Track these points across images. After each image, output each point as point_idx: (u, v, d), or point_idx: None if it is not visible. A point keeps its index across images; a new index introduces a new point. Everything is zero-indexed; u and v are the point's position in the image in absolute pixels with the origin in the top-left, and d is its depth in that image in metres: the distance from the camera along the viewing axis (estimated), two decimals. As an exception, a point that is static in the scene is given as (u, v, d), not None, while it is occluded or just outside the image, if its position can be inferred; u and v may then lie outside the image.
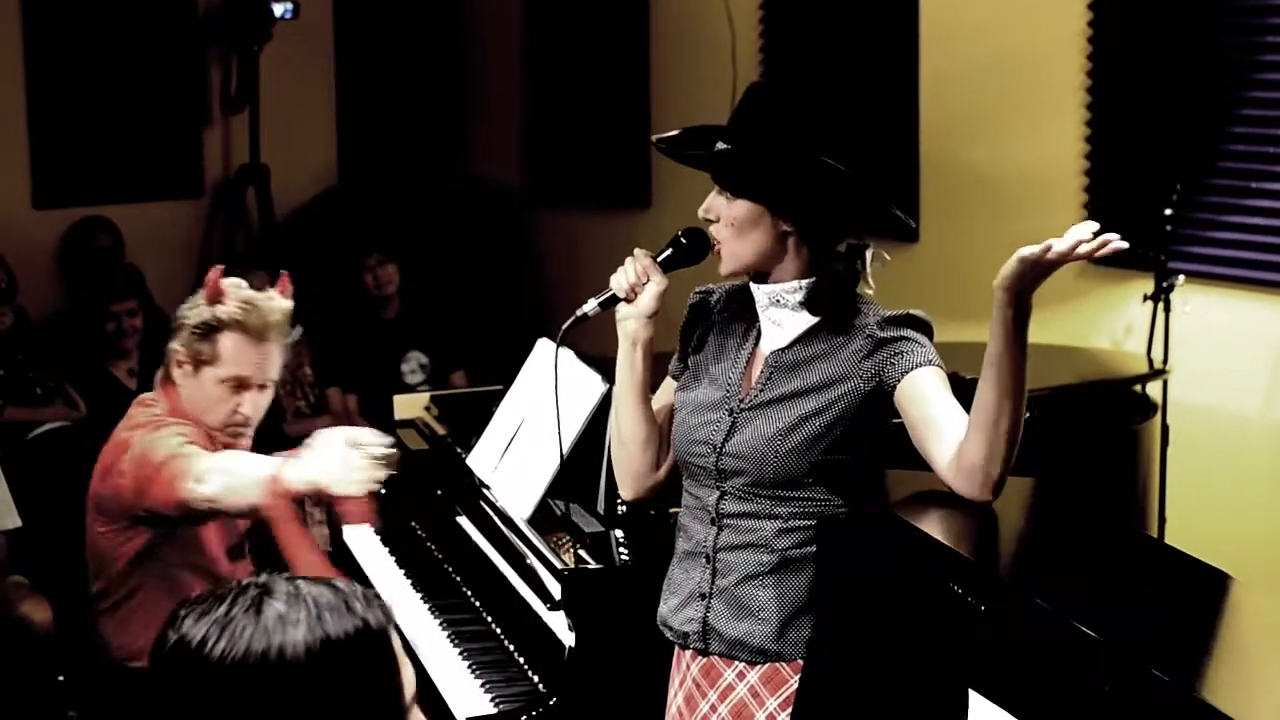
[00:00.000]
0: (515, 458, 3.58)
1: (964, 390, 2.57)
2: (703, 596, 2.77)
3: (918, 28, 5.80)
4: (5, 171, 7.15)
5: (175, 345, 3.46)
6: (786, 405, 2.70)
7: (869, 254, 2.74)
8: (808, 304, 2.73)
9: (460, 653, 3.47)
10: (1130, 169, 5.20)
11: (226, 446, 3.45)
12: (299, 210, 7.72)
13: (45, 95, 7.16)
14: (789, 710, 2.65)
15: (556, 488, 3.38)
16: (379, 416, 6.16)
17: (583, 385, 3.39)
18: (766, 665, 2.72)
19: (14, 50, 7.08)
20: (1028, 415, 2.54)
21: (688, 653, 2.82)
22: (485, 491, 3.60)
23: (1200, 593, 2.31)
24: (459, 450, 3.90)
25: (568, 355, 3.37)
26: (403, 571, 3.97)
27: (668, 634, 2.85)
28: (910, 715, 2.25)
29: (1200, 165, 5.03)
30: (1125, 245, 2.34)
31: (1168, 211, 4.88)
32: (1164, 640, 2.09)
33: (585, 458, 3.34)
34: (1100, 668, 1.95)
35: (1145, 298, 4.93)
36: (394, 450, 3.19)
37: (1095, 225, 2.35)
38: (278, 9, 7.31)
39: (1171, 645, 2.08)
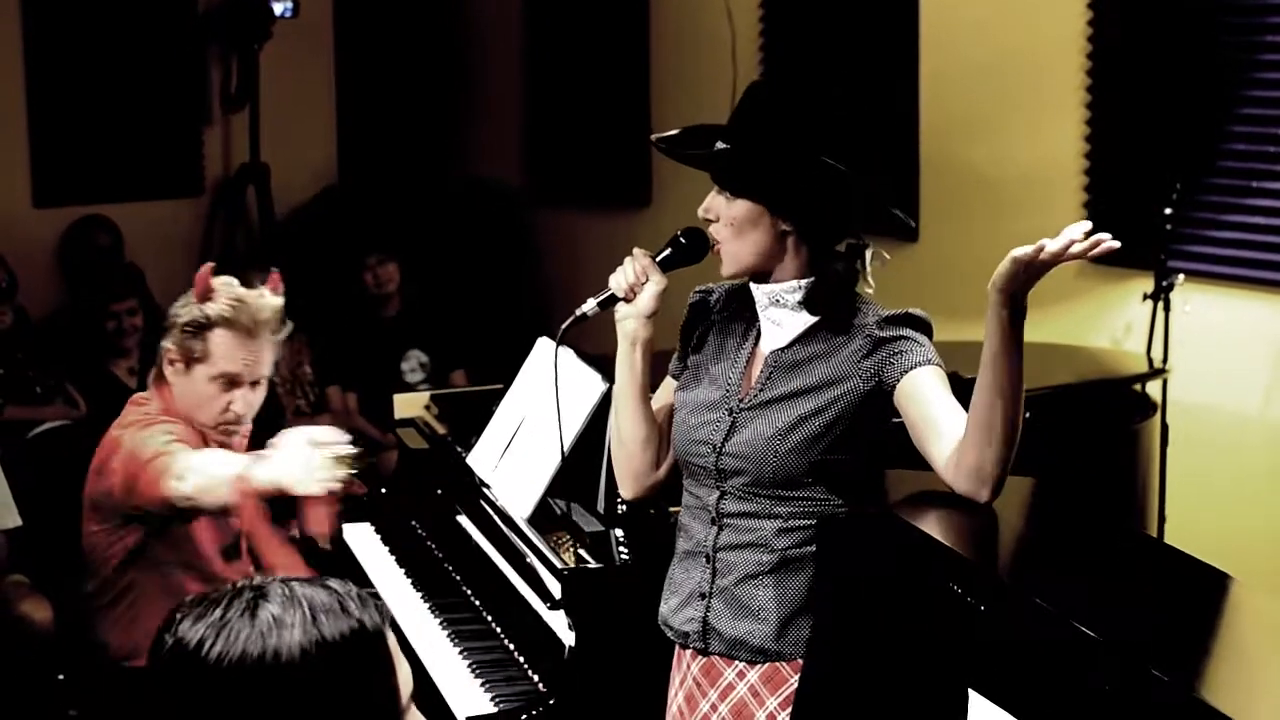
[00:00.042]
0: (515, 457, 3.58)
1: (964, 389, 2.57)
2: (703, 596, 2.77)
3: (918, 28, 5.80)
4: (5, 170, 7.15)
5: (167, 344, 3.47)
6: (786, 405, 2.70)
7: (869, 253, 2.74)
8: (807, 304, 2.73)
9: (460, 652, 3.47)
10: (1130, 168, 5.20)
11: (220, 445, 3.46)
12: (299, 209, 7.72)
13: (45, 94, 7.15)
14: (789, 710, 2.66)
15: (556, 487, 3.39)
16: (379, 415, 6.18)
17: (583, 384, 3.39)
18: (766, 665, 2.72)
19: (14, 50, 7.08)
20: (1026, 415, 2.54)
21: (688, 652, 2.82)
22: (485, 491, 3.60)
23: (1200, 593, 2.31)
24: (459, 449, 3.90)
25: (568, 354, 3.37)
26: (403, 571, 3.97)
27: (668, 633, 2.85)
28: (910, 715, 2.25)
29: (1200, 164, 5.03)
30: (1117, 245, 2.35)
31: (1168, 211, 4.89)
32: (1163, 640, 2.09)
33: (585, 457, 3.34)
34: (1100, 668, 1.95)
35: (1145, 297, 4.94)
36: (356, 450, 3.17)
37: (1088, 225, 2.36)
38: (278, 8, 7.31)
39: (1171, 645, 2.08)
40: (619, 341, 2.85)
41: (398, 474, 4.44)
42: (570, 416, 3.22)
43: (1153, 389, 4.83)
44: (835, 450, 2.68)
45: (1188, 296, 4.91)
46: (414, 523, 4.04)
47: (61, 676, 3.68)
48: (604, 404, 3.26)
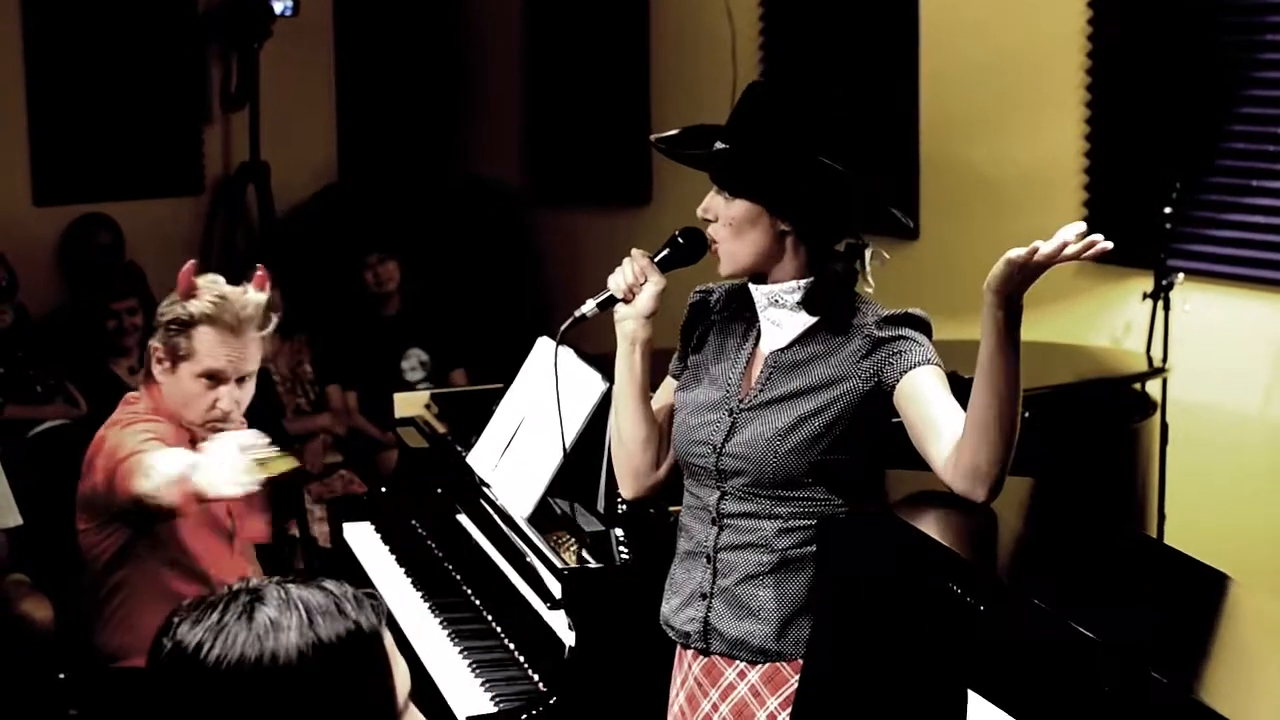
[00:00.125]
0: (515, 456, 3.58)
1: (963, 389, 2.57)
2: (704, 596, 2.78)
3: (918, 28, 5.80)
4: (5, 169, 7.15)
5: (154, 342, 3.49)
6: (786, 405, 2.70)
7: (868, 253, 2.75)
8: (806, 304, 2.73)
9: (460, 651, 3.47)
10: (1130, 168, 5.20)
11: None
12: (299, 207, 7.73)
13: (45, 93, 7.16)
14: (789, 710, 2.66)
15: (557, 486, 3.39)
16: (379, 414, 6.19)
17: (583, 384, 3.40)
18: (767, 665, 2.73)
19: (14, 49, 7.08)
20: (1026, 414, 2.54)
21: (689, 652, 2.82)
22: (485, 490, 3.60)
23: (1199, 593, 2.31)
24: (459, 448, 3.90)
25: (568, 354, 3.37)
26: (403, 570, 3.97)
27: (670, 633, 2.85)
28: (909, 715, 2.25)
29: (1200, 164, 5.03)
30: (1110, 246, 2.35)
31: (1167, 210, 4.89)
32: (1162, 641, 2.09)
33: (585, 457, 3.34)
34: (1099, 668, 1.95)
35: (1145, 296, 4.94)
36: (280, 454, 3.16)
37: (1082, 226, 2.36)
38: (278, 6, 7.31)
39: (1170, 646, 2.08)
40: (619, 342, 2.85)
41: (398, 473, 4.44)
42: (570, 416, 3.22)
43: (1152, 388, 4.83)
44: (835, 450, 2.68)
45: (1187, 295, 4.92)
46: (414, 522, 4.04)
47: (62, 676, 3.69)
48: (604, 404, 3.26)
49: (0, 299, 6.32)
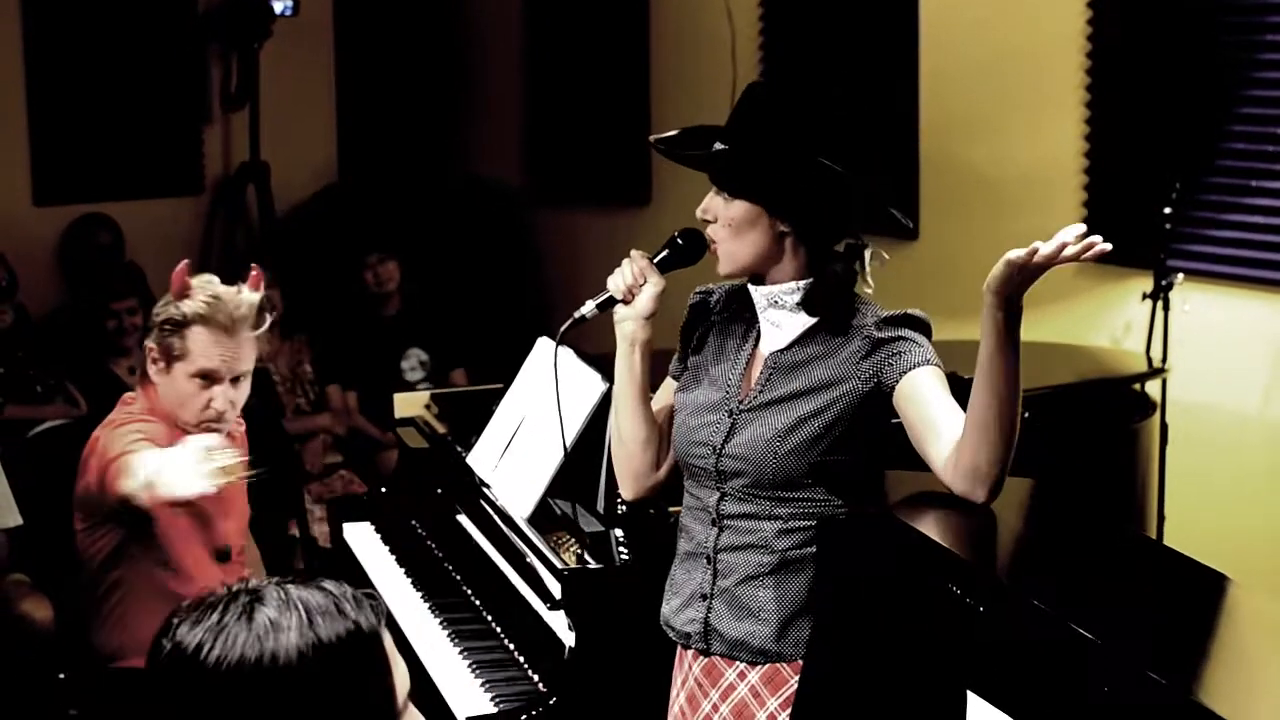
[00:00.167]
0: (515, 457, 3.58)
1: (963, 389, 2.57)
2: (704, 597, 2.78)
3: (918, 28, 5.80)
4: (5, 168, 7.15)
5: (149, 342, 3.49)
6: (786, 406, 2.70)
7: (867, 254, 2.74)
8: (806, 305, 2.73)
9: (460, 652, 3.47)
10: (1130, 168, 5.20)
11: None
12: (299, 207, 7.73)
13: (45, 92, 7.16)
14: (789, 710, 2.66)
15: (557, 487, 3.39)
16: (379, 414, 6.19)
17: (583, 384, 3.40)
18: (767, 665, 2.73)
19: (14, 48, 7.08)
20: (1025, 414, 2.54)
21: (690, 653, 2.82)
22: (485, 490, 3.61)
23: (1198, 594, 2.31)
24: (459, 449, 3.90)
25: (567, 354, 3.37)
26: (403, 570, 3.97)
27: (670, 634, 2.85)
28: (909, 716, 2.25)
29: (1200, 164, 5.03)
30: (1109, 247, 2.35)
31: (1167, 210, 4.89)
32: (1161, 642, 2.09)
33: (585, 457, 3.35)
34: (1098, 669, 1.95)
35: (1144, 296, 4.94)
36: (243, 461, 3.15)
37: (1082, 228, 2.36)
38: (278, 6, 7.31)
39: (1169, 647, 2.08)
40: (618, 343, 2.85)
41: (398, 473, 4.44)
42: (570, 416, 3.22)
43: (1152, 388, 4.83)
44: (835, 451, 2.68)
45: (1187, 296, 4.92)
46: (414, 522, 4.04)
47: (61, 676, 3.69)
48: (604, 404, 3.27)
49: (0, 299, 6.32)
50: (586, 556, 3.22)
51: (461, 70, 8.02)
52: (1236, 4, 5.02)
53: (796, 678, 2.67)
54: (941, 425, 2.59)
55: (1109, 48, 5.25)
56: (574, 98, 7.38)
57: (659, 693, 2.91)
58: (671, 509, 3.07)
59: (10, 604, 4.54)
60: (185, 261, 3.52)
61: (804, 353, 2.73)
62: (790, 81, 5.24)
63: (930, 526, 2.50)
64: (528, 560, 3.29)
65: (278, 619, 1.65)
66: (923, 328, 2.71)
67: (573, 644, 3.11)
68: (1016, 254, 2.36)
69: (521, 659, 3.36)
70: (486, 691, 3.29)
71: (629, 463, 2.91)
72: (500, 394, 3.79)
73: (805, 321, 2.74)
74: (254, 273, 3.54)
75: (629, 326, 2.83)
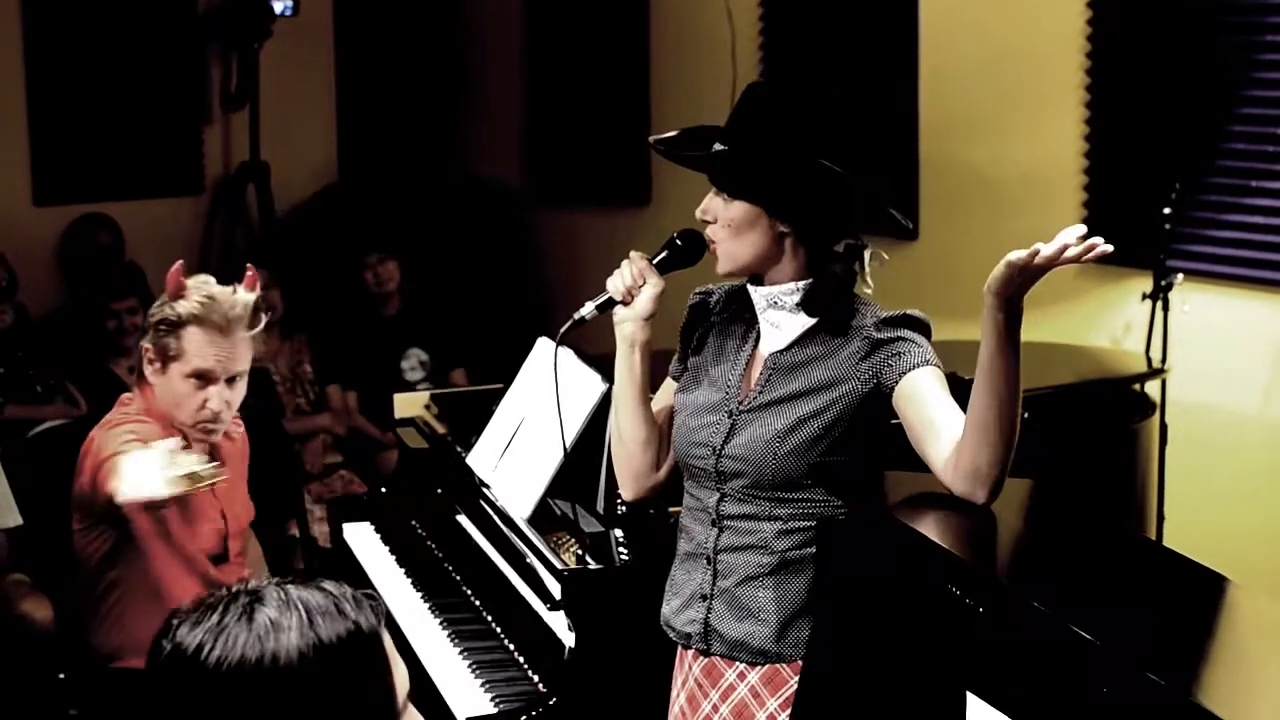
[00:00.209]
0: (515, 457, 3.58)
1: (963, 390, 2.57)
2: (704, 598, 2.78)
3: (918, 28, 5.80)
4: (5, 168, 7.15)
5: (145, 343, 3.50)
6: (785, 407, 2.71)
7: (867, 254, 2.74)
8: (805, 305, 2.73)
9: (460, 652, 3.47)
10: (1130, 168, 5.20)
11: (201, 444, 3.48)
12: (299, 207, 7.73)
13: (45, 93, 7.16)
14: (789, 711, 2.66)
15: (557, 487, 3.39)
16: (379, 414, 6.19)
17: (583, 385, 3.40)
18: (767, 666, 2.73)
19: (14, 48, 7.08)
20: (1025, 415, 2.54)
21: (690, 653, 2.83)
22: (485, 491, 3.61)
23: (1198, 595, 2.31)
24: (459, 449, 3.90)
25: (567, 354, 3.37)
26: (403, 570, 3.97)
27: (670, 634, 2.85)
28: (908, 717, 2.25)
29: (1200, 164, 5.03)
30: (1110, 249, 2.35)
31: (1167, 210, 4.89)
32: (1161, 643, 2.09)
33: (585, 458, 3.35)
34: (1097, 670, 1.95)
35: (1144, 296, 4.94)
36: (209, 466, 3.14)
37: (1082, 229, 2.36)
38: (278, 6, 7.31)
39: (1169, 648, 2.08)
40: (618, 344, 2.85)
41: (398, 474, 4.44)
42: (570, 417, 3.22)
43: (1152, 388, 4.83)
44: (834, 452, 2.68)
45: (1187, 296, 4.92)
46: (414, 523, 4.04)
47: (61, 676, 3.69)
48: (604, 404, 3.27)
49: (0, 299, 6.32)
50: (586, 557, 3.22)
51: (461, 70, 8.02)
52: (1236, 4, 5.02)
53: (796, 678, 2.67)
54: (941, 426, 2.59)
55: (1109, 48, 5.25)
56: (574, 98, 7.38)
57: (659, 693, 2.91)
58: (671, 509, 3.07)
59: (10, 604, 4.54)
60: (180, 262, 3.52)
61: (804, 353, 2.73)
62: (790, 82, 5.24)
63: (930, 527, 2.50)
64: (528, 560, 3.29)
65: (278, 619, 1.66)
66: (922, 328, 2.71)
67: (573, 644, 3.11)
68: (1017, 255, 2.36)
69: (521, 659, 3.36)
70: (486, 692, 3.30)
71: (629, 463, 2.91)
72: (500, 394, 3.79)
73: (805, 322, 2.74)
74: (249, 273, 3.55)
75: (628, 328, 2.83)
